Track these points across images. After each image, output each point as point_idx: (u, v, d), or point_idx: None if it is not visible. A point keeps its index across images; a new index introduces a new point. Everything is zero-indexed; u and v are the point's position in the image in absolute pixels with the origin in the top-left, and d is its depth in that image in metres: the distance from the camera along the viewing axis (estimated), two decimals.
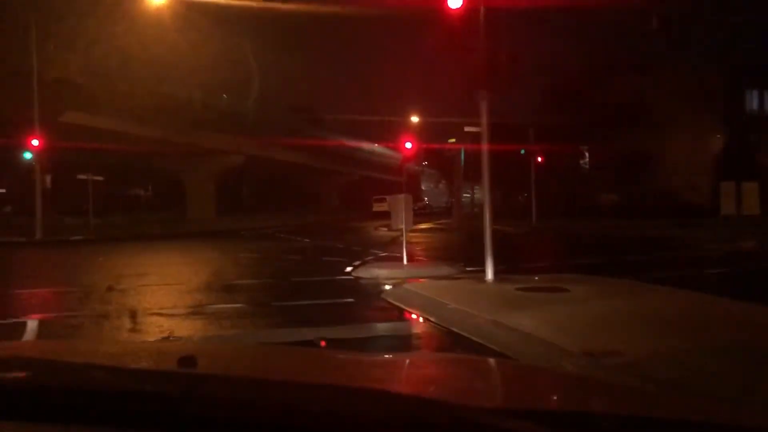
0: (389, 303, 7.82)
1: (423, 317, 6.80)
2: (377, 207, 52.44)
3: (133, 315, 7.14)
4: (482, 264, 11.41)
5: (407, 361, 2.11)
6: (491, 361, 3.03)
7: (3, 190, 46.61)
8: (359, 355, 2.87)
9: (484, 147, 8.93)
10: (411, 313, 7.11)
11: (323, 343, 6.35)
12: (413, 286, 8.60)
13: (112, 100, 29.20)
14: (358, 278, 10.38)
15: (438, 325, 6.45)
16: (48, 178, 28.80)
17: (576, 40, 35.74)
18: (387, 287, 9.10)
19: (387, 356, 2.43)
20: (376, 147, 64.91)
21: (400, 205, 11.52)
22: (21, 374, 1.26)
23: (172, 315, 7.15)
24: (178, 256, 15.47)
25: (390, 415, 1.08)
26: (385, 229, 28.51)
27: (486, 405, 1.27)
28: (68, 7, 26.69)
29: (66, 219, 33.63)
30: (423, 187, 59.02)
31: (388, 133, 53.83)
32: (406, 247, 11.36)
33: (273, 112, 50.54)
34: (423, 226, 30.73)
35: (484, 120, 8.89)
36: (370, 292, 8.84)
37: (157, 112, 32.35)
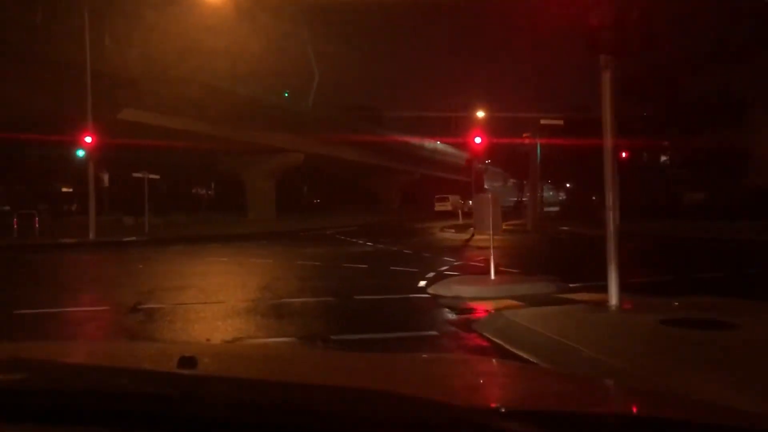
0: (488, 341, 5.72)
1: None
2: (439, 206, 50.52)
3: None
4: (585, 279, 9.54)
5: (408, 361, 2.04)
6: (492, 361, 3.23)
7: (70, 189, 46.96)
8: (360, 355, 2.75)
9: (608, 141, 6.72)
10: (525, 361, 5.02)
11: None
12: (516, 314, 6.48)
13: (170, 97, 28.39)
14: (436, 297, 8.37)
15: None
16: (105, 177, 28.23)
17: (666, 19, 32.07)
18: (478, 313, 7.09)
19: (387, 357, 2.27)
20: (438, 144, 62.84)
21: (485, 206, 9.42)
22: (21, 376, 1.23)
23: None
24: (227, 263, 13.86)
25: (390, 415, 1.06)
26: (452, 230, 26.36)
27: (486, 405, 1.26)
28: (125, 1, 25.93)
29: (125, 219, 33.13)
30: (486, 186, 56.72)
31: (452, 129, 51.84)
32: (488, 256, 9.31)
33: (333, 110, 49.44)
34: None
35: (607, 96, 6.73)
36: (456, 321, 6.78)
37: (217, 110, 31.46)
